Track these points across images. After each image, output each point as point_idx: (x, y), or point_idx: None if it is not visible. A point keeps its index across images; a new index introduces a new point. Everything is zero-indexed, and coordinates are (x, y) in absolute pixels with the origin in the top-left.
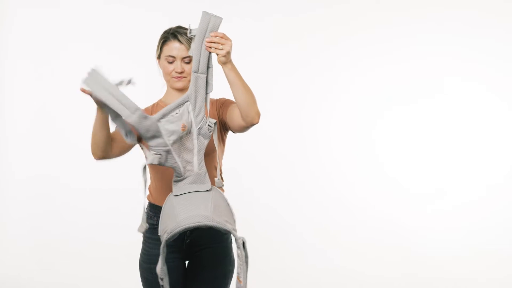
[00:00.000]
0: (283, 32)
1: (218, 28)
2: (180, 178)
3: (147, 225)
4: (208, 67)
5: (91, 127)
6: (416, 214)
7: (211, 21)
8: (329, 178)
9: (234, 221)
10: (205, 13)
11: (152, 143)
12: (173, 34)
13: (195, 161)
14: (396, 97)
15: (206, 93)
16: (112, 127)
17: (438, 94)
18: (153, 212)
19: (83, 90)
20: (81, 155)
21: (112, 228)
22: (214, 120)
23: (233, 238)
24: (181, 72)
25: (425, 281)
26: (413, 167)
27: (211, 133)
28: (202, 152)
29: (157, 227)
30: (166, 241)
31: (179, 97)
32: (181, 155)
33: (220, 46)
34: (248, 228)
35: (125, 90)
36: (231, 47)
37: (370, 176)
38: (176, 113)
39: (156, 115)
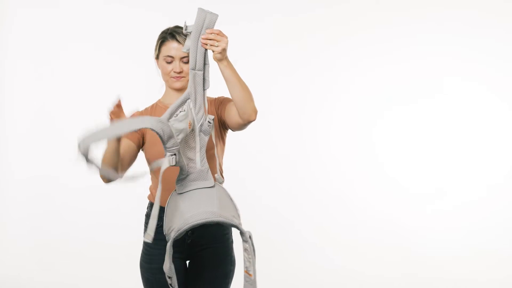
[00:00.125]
0: (283, 32)
1: (214, 25)
2: (183, 176)
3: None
4: (204, 64)
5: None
6: (416, 214)
7: (207, 18)
8: (329, 178)
9: (239, 216)
10: (200, 10)
11: (169, 144)
12: (171, 34)
13: (197, 158)
14: (396, 97)
15: (204, 90)
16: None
17: (438, 94)
18: None
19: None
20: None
21: (112, 228)
22: (213, 116)
23: (233, 238)
24: (179, 72)
25: (425, 281)
26: (413, 167)
27: (211, 130)
28: (204, 149)
29: (158, 227)
30: (174, 239)
31: (178, 97)
32: (185, 153)
33: (216, 43)
34: (249, 228)
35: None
36: (227, 44)
37: (370, 176)
38: (181, 111)
39: (165, 115)
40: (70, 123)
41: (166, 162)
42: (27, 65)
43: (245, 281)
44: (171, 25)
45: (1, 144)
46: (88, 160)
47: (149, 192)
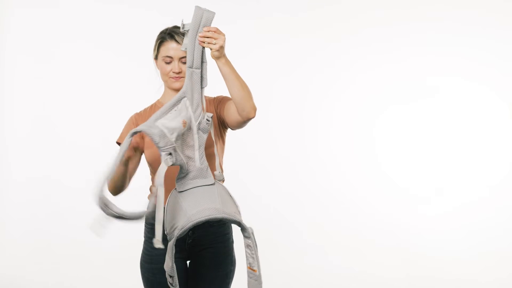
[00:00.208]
0: (283, 31)
1: (211, 22)
2: (183, 174)
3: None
4: (202, 62)
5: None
6: (416, 214)
7: (204, 16)
8: (329, 178)
9: (240, 213)
10: (197, 8)
11: (161, 143)
12: (170, 34)
13: (196, 156)
14: (396, 96)
15: (201, 88)
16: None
17: (438, 94)
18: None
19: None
20: (81, 156)
21: (112, 228)
22: (211, 114)
23: (233, 238)
24: (178, 72)
25: (425, 282)
26: (414, 167)
27: (209, 127)
28: (203, 147)
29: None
30: (177, 237)
31: None
32: (183, 152)
33: (213, 41)
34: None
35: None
36: (224, 41)
37: (370, 176)
38: (175, 110)
39: (152, 117)
40: (70, 123)
41: (163, 164)
42: (27, 66)
43: (249, 277)
44: (170, 25)
45: (0, 146)
46: (107, 208)
47: (149, 192)
